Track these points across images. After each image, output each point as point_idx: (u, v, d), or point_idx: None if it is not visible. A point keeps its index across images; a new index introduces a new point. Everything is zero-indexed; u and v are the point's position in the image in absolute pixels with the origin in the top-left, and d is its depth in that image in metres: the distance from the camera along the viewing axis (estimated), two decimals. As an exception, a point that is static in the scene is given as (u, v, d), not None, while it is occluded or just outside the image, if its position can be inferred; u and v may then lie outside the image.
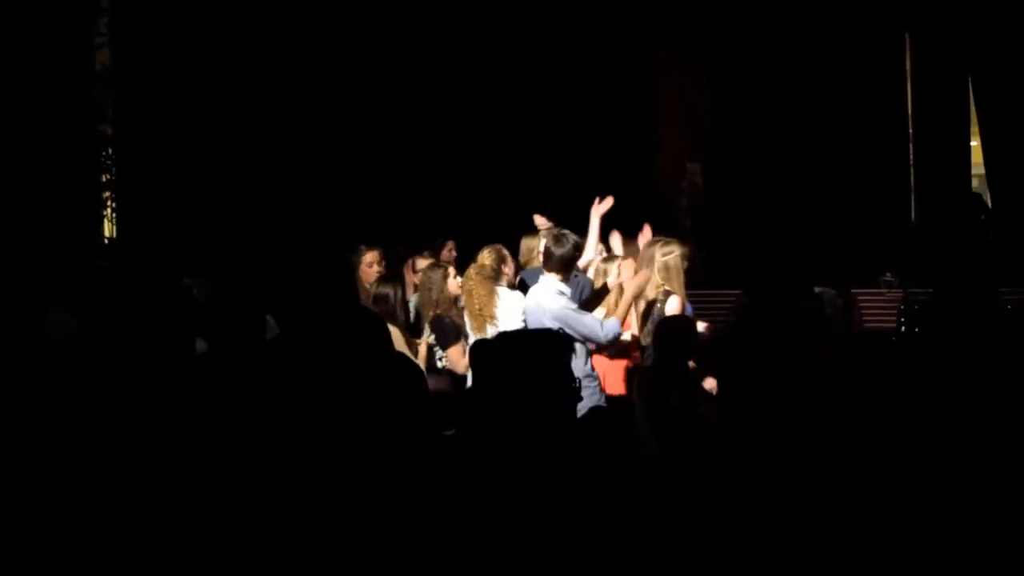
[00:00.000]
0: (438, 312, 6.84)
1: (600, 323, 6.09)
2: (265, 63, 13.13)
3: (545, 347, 3.17)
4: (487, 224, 8.12)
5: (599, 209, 6.96)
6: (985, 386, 4.50)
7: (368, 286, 7.09)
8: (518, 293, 6.62)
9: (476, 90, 14.15)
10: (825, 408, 4.24)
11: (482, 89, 14.16)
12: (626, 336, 6.43)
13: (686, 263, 6.59)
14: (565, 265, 6.20)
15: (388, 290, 6.58)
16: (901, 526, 3.64)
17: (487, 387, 3.15)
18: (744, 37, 14.63)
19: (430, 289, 6.89)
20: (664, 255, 6.49)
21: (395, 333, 6.46)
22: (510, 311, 6.49)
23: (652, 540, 3.31)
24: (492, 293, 6.63)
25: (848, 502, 3.79)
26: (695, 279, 7.29)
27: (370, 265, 7.48)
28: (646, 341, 6.33)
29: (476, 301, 6.62)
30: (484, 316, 6.55)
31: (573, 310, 6.08)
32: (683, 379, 5.45)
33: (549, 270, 6.22)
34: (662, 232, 7.07)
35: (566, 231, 6.38)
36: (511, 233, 7.41)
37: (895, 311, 9.27)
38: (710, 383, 5.69)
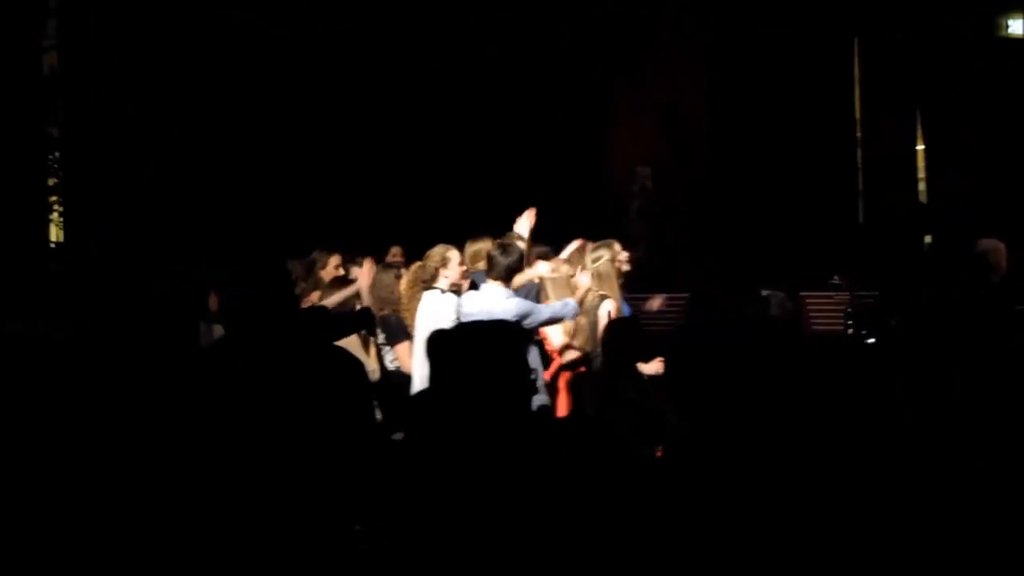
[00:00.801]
0: (384, 312, 6.92)
1: (558, 304, 6.19)
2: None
3: (503, 338, 3.18)
4: (443, 227, 8.12)
5: (526, 225, 7.00)
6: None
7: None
8: (451, 296, 6.62)
9: (431, 94, 14.13)
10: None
11: (437, 93, 14.14)
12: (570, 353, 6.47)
13: (618, 265, 6.63)
14: (510, 274, 6.26)
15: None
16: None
17: (445, 377, 3.15)
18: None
19: (380, 290, 7.01)
20: (594, 261, 6.56)
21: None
22: (436, 314, 6.47)
23: (632, 538, 3.31)
24: (413, 298, 6.70)
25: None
26: (648, 283, 7.32)
27: (336, 268, 7.59)
28: (590, 347, 6.35)
29: (404, 302, 6.80)
30: (408, 316, 6.71)
31: (530, 305, 6.15)
32: (633, 377, 5.48)
33: (494, 278, 6.24)
34: (615, 236, 7.11)
35: (512, 241, 6.42)
36: (464, 237, 7.41)
37: (842, 314, 9.35)
38: (653, 367, 5.73)
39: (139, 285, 6.76)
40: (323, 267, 7.67)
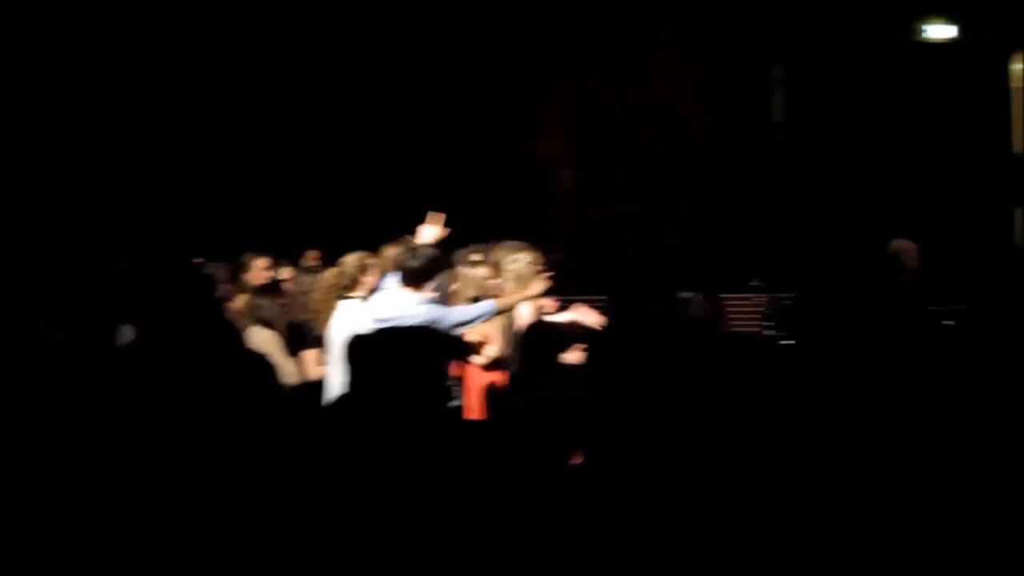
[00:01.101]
0: (305, 317, 6.82)
1: (472, 307, 6.07)
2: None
3: (424, 344, 3.19)
4: (365, 231, 7.97)
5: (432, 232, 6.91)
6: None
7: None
8: (367, 304, 6.49)
9: (358, 96, 14.02)
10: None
11: (360, 95, 14.03)
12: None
13: (538, 268, 6.53)
14: (419, 278, 6.12)
15: (266, 299, 6.64)
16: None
17: (365, 382, 3.15)
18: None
19: (304, 294, 6.92)
20: (512, 264, 6.45)
21: (271, 337, 6.48)
22: (354, 323, 6.33)
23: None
24: (328, 304, 6.59)
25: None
26: (567, 286, 7.26)
27: (265, 270, 7.47)
28: (507, 349, 6.26)
29: (314, 308, 6.64)
30: (320, 324, 6.54)
31: (440, 310, 6.02)
32: (557, 375, 5.46)
33: (405, 285, 6.13)
34: (535, 238, 7.05)
35: (421, 243, 6.31)
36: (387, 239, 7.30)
37: (760, 315, 9.50)
38: (573, 356, 5.71)
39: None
40: (247, 270, 7.50)
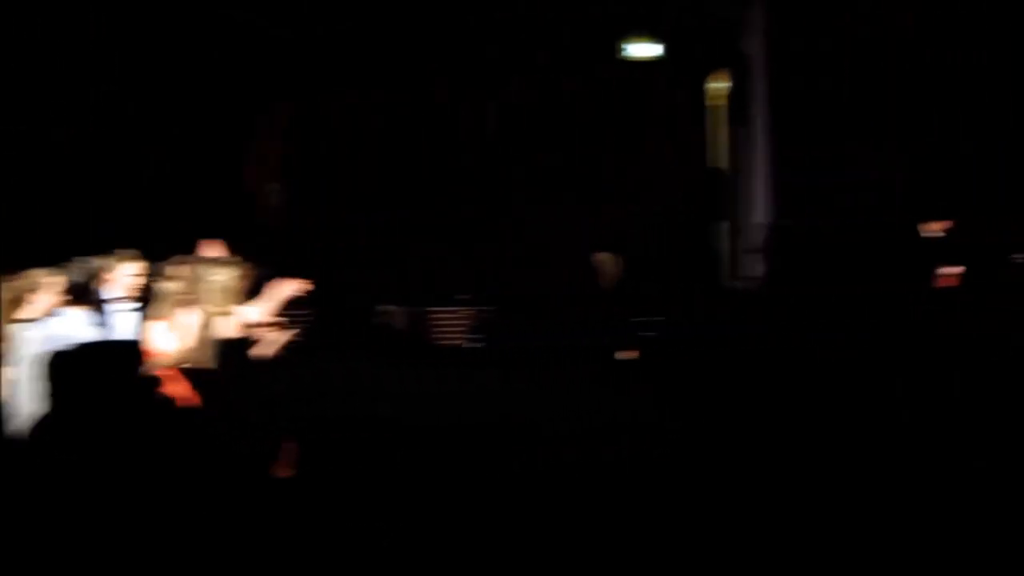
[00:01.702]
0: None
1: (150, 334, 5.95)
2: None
3: (126, 358, 3.19)
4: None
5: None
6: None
7: None
8: (43, 323, 6.38)
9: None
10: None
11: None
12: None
13: (241, 282, 6.46)
14: (81, 295, 6.06)
15: None
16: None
17: (68, 400, 3.13)
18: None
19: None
20: (214, 276, 6.37)
21: None
22: (30, 342, 6.22)
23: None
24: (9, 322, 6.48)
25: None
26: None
27: None
28: (209, 360, 6.18)
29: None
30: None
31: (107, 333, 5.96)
32: (259, 379, 5.49)
33: (72, 304, 6.08)
34: (244, 252, 7.02)
35: (87, 259, 6.23)
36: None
37: (465, 327, 10.29)
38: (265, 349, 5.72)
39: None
40: None
